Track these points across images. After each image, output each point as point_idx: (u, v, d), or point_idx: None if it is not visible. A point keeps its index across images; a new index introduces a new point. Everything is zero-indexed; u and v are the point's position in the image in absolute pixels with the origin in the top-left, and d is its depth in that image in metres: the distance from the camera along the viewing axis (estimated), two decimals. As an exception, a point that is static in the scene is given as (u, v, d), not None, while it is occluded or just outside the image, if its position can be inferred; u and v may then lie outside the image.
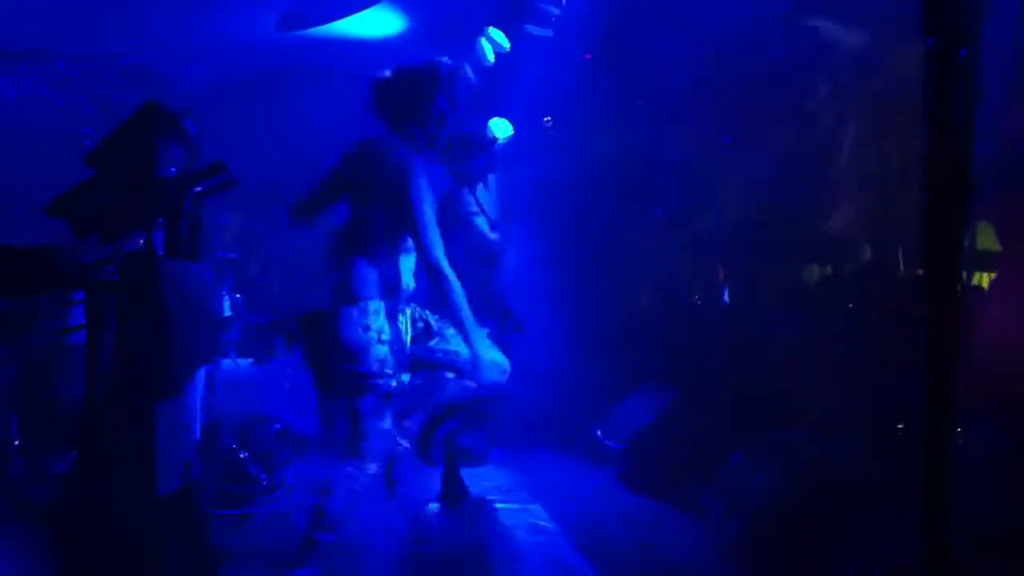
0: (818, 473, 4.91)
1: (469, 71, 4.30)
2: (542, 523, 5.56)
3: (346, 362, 3.97)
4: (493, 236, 6.19)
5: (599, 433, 6.96)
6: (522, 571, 4.80)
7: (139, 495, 3.79)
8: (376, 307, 3.98)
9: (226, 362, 6.18)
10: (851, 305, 5.98)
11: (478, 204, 6.25)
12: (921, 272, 2.14)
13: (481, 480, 6.48)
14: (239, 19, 7.58)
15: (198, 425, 4.75)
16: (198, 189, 4.31)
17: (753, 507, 5.08)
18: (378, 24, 7.89)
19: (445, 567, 4.87)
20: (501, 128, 8.07)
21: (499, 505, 5.91)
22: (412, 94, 4.21)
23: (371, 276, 4.01)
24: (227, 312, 6.32)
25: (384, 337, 3.98)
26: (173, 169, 4.28)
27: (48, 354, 4.61)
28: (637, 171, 7.46)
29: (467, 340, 3.98)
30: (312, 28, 7.81)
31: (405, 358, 4.08)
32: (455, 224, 5.96)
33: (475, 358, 4.01)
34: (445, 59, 4.30)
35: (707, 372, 6.48)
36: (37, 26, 6.90)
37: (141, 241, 4.14)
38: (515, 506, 5.92)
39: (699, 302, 7.16)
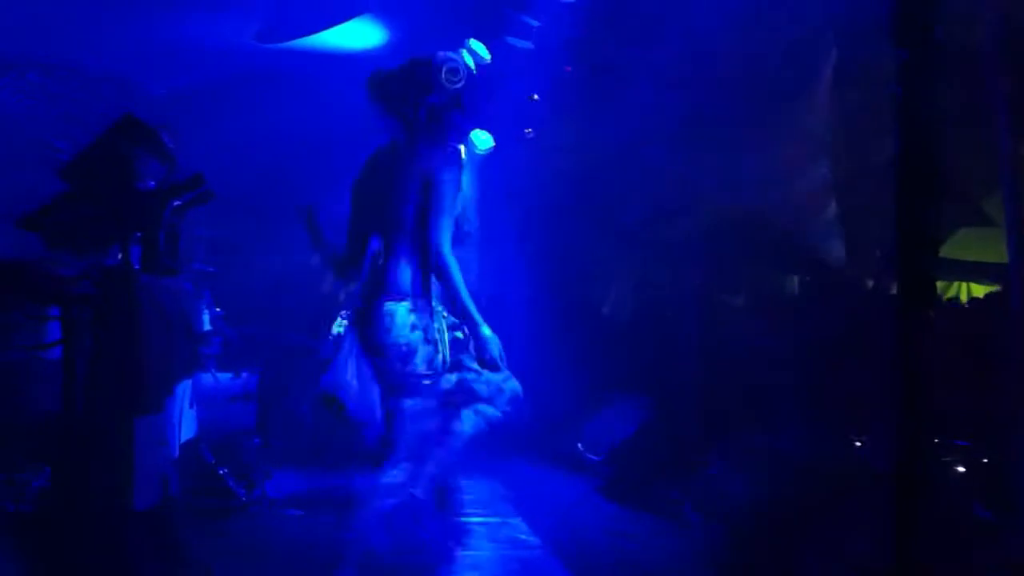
0: (797, 479, 4.92)
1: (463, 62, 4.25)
2: (523, 536, 5.53)
3: (397, 362, 3.92)
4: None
5: (580, 445, 6.96)
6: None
7: (117, 511, 3.77)
8: (416, 305, 3.95)
9: (205, 376, 6.13)
10: (824, 310, 6.01)
11: None
12: (895, 275, 2.15)
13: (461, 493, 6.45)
14: (216, 29, 7.56)
15: (177, 440, 4.73)
16: (176, 202, 4.30)
17: (733, 514, 5.08)
18: (358, 36, 7.89)
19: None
20: (482, 140, 8.08)
21: (479, 519, 5.89)
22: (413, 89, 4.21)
23: (407, 273, 3.99)
24: (206, 326, 6.28)
25: (429, 336, 3.93)
26: (151, 182, 4.26)
27: (25, 369, 4.58)
28: (615, 181, 7.48)
29: (467, 317, 3.91)
30: (291, 40, 7.80)
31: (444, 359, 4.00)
32: None
33: (476, 333, 3.95)
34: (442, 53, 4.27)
35: (684, 381, 6.48)
36: (9, 36, 6.84)
37: (118, 255, 4.12)
38: (496, 519, 5.89)
39: (674, 311, 7.16)
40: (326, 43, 7.92)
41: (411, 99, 4.15)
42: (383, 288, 3.98)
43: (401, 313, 3.91)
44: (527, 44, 7.29)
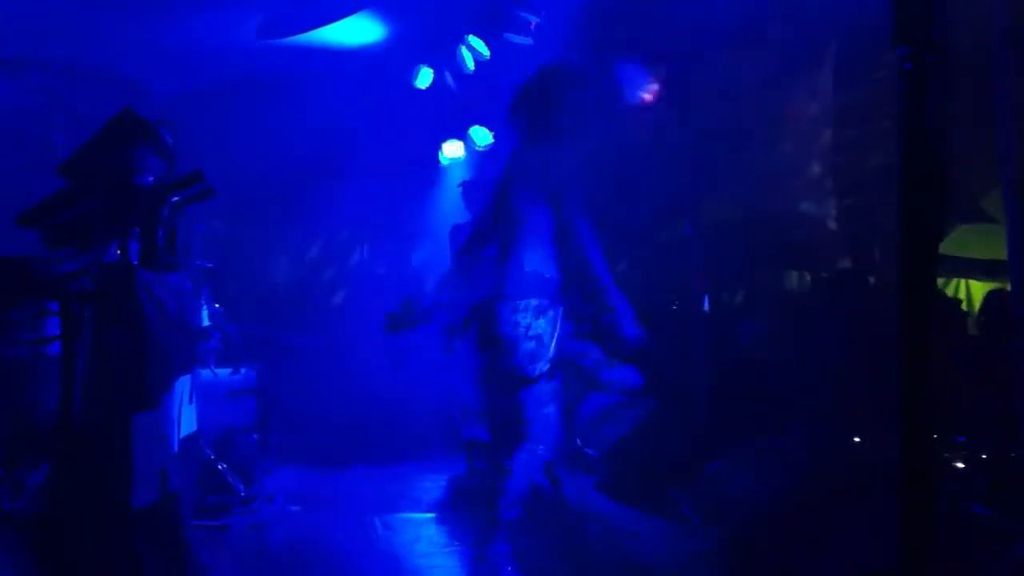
0: (798, 479, 4.91)
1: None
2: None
3: (500, 356, 4.15)
4: None
5: (579, 441, 6.94)
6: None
7: (116, 506, 3.76)
8: (526, 304, 4.13)
9: (205, 372, 6.13)
10: (830, 311, 6.01)
11: None
12: (897, 276, 2.15)
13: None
14: (217, 27, 7.55)
15: (176, 436, 4.72)
16: (176, 198, 4.29)
17: (733, 514, 5.08)
18: (358, 32, 7.88)
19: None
20: (481, 136, 8.08)
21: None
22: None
23: (520, 275, 4.15)
24: (206, 322, 6.27)
25: (532, 333, 4.14)
26: (150, 178, 4.25)
27: (25, 365, 4.58)
28: (619, 177, 7.47)
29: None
30: (292, 36, 7.79)
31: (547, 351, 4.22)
32: None
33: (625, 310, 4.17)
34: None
35: (686, 380, 6.48)
36: (10, 34, 6.84)
37: (117, 251, 4.11)
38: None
39: (676, 310, 7.16)
40: (326, 39, 7.91)
41: (553, 106, 4.29)
42: (499, 287, 4.16)
43: (504, 313, 4.15)
44: (526, 40, 7.28)
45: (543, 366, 4.16)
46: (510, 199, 4.20)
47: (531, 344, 4.13)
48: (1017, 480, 4.09)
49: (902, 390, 2.09)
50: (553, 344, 4.21)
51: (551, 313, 4.24)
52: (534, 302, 4.16)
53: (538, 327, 4.16)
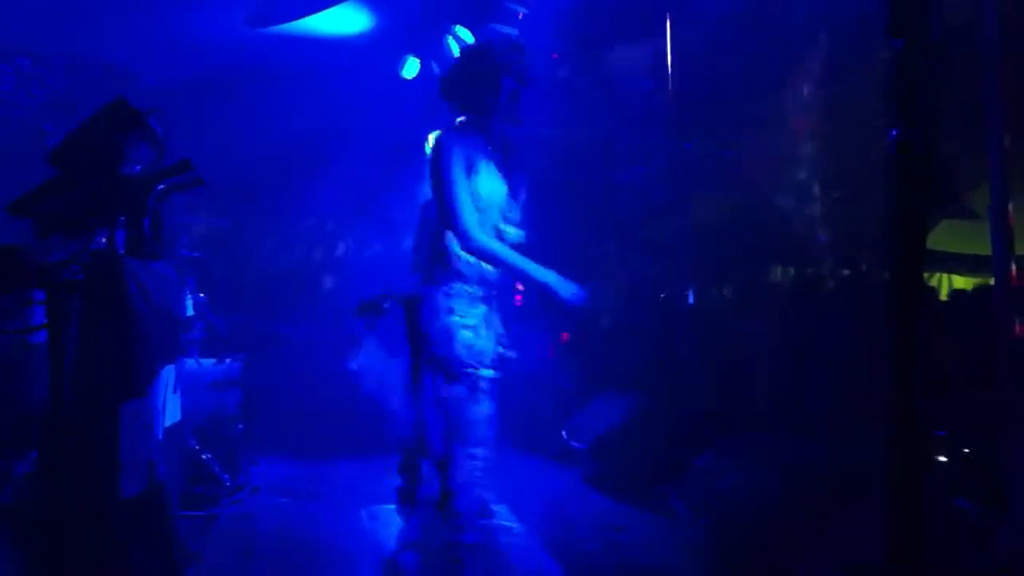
0: (787, 474, 4.94)
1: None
2: (509, 524, 5.55)
3: (432, 346, 3.82)
4: None
5: (565, 434, 6.96)
6: (490, 571, 4.80)
7: (102, 496, 3.76)
8: (459, 290, 3.88)
9: (189, 362, 6.11)
10: (818, 306, 6.03)
11: None
12: (885, 270, 2.16)
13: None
14: (206, 18, 7.52)
15: (161, 426, 4.71)
16: (162, 187, 4.28)
17: (722, 508, 5.10)
18: (345, 21, 7.86)
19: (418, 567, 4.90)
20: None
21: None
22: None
23: (456, 259, 3.88)
24: (190, 311, 6.26)
25: (469, 323, 3.82)
26: (138, 167, 4.23)
27: (11, 354, 4.55)
28: (605, 172, 7.48)
29: (535, 279, 3.75)
30: (280, 25, 7.76)
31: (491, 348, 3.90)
32: None
33: (550, 287, 3.75)
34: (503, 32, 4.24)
35: (675, 374, 6.50)
36: (2, 25, 6.80)
37: (104, 240, 4.09)
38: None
39: (666, 306, 7.18)
40: (313, 29, 7.89)
41: (490, 85, 4.06)
42: (425, 274, 3.97)
43: (436, 299, 3.85)
44: (513, 31, 7.28)
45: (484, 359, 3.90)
46: (437, 173, 3.93)
47: (467, 335, 3.89)
48: (997, 472, 4.12)
49: (888, 386, 2.10)
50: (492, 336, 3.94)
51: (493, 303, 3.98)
52: (469, 289, 3.89)
53: (475, 318, 3.90)
